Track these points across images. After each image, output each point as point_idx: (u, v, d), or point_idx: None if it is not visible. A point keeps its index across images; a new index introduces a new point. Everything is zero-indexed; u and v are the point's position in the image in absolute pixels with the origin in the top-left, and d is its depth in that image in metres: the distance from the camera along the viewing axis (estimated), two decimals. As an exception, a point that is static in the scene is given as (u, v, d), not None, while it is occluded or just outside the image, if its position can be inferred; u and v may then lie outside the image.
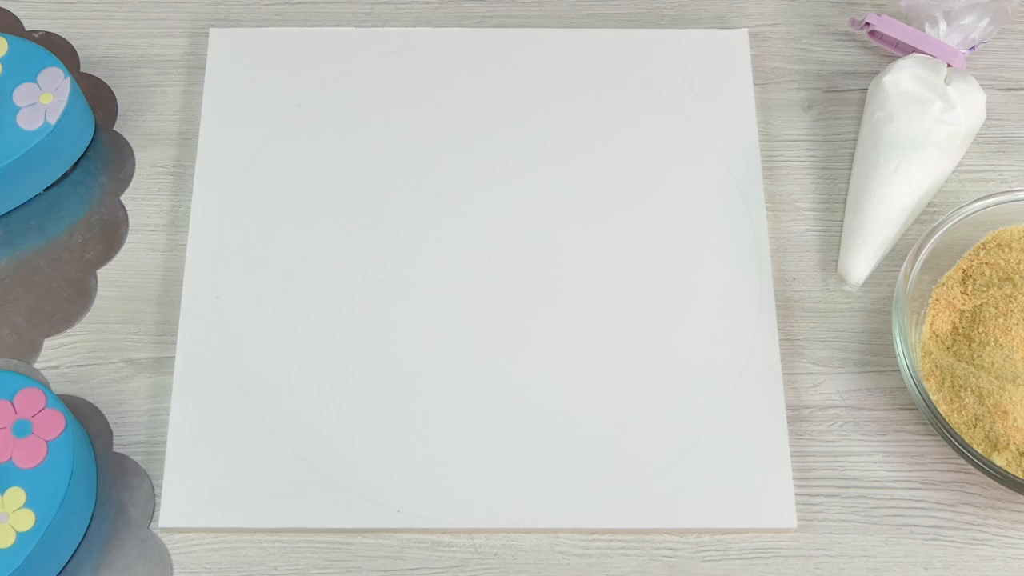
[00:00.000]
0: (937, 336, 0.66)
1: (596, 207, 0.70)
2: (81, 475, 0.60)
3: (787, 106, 0.74)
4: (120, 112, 0.74)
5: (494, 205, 0.70)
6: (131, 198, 0.71)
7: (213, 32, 0.75)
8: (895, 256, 0.69)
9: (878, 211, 0.68)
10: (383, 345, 0.66)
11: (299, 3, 0.77)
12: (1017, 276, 0.65)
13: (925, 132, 0.69)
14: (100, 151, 0.72)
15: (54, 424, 0.60)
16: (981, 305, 0.65)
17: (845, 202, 0.71)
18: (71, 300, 0.68)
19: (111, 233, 0.70)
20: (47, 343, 0.67)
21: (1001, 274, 0.66)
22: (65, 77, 0.69)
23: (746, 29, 0.76)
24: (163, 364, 0.66)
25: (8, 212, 0.70)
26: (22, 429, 0.60)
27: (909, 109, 0.70)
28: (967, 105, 0.70)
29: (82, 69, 0.75)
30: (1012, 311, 0.64)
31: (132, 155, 0.72)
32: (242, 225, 0.69)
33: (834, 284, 0.69)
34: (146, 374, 0.66)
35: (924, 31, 0.72)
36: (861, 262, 0.68)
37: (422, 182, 0.71)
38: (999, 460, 0.61)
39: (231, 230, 0.69)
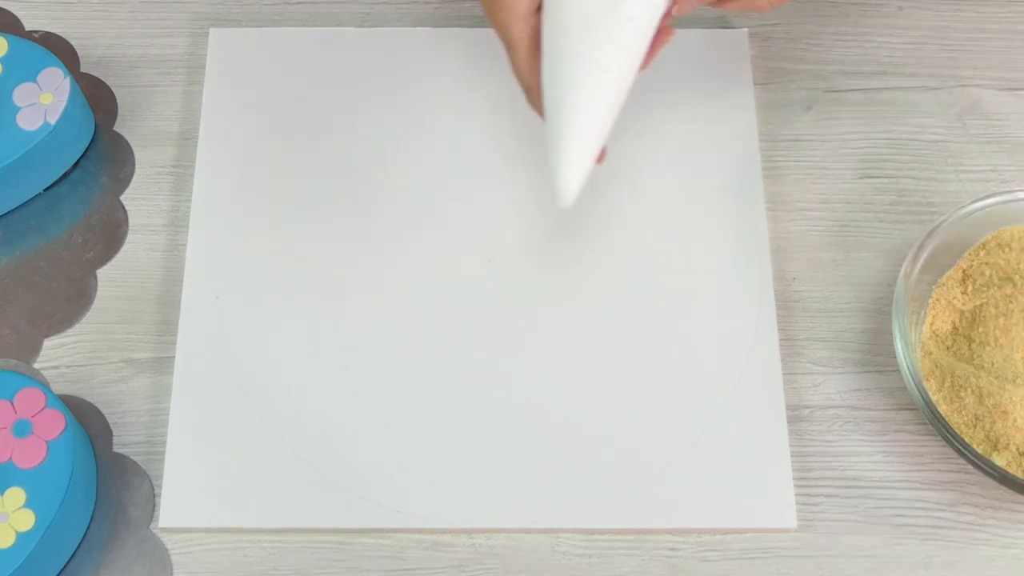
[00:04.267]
0: (937, 336, 0.66)
1: (596, 206, 0.70)
2: (81, 475, 0.60)
3: (787, 106, 0.74)
4: (120, 112, 0.74)
5: (494, 205, 0.70)
6: (131, 198, 0.71)
7: (213, 32, 0.75)
8: (895, 256, 0.69)
9: (576, 104, 0.59)
10: (383, 345, 0.66)
11: (299, 3, 0.77)
12: (1017, 276, 0.65)
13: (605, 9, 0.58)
14: (100, 151, 0.72)
15: (54, 424, 0.60)
16: (981, 305, 0.65)
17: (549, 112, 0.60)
18: (71, 300, 0.68)
19: (111, 233, 0.70)
20: (47, 343, 0.67)
21: (1001, 274, 0.66)
22: (65, 77, 0.69)
23: (746, 29, 0.76)
24: (163, 364, 0.66)
25: (8, 212, 0.70)
26: (22, 429, 0.60)
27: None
28: None
29: (82, 69, 0.75)
30: (1012, 311, 0.64)
31: (132, 155, 0.72)
32: (242, 225, 0.69)
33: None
34: (146, 374, 0.66)
35: None
36: (572, 173, 0.59)
37: (422, 182, 0.71)
38: (999, 460, 0.61)
39: (231, 230, 0.69)
